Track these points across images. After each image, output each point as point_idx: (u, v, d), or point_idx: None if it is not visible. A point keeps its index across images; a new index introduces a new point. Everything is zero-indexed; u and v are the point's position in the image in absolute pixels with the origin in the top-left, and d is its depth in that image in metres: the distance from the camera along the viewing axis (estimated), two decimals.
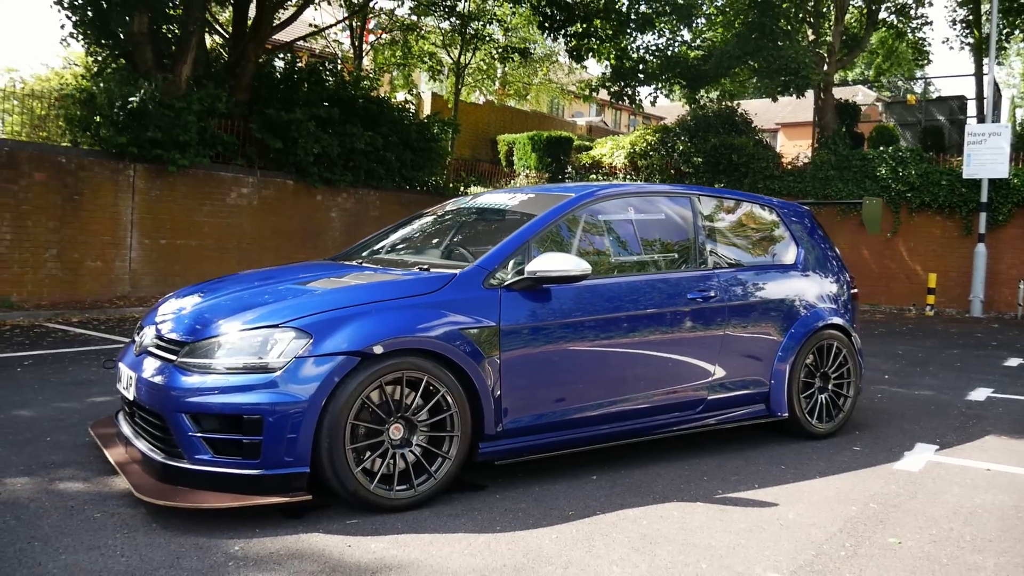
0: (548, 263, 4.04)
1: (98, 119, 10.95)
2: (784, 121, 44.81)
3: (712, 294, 4.82)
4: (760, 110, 32.60)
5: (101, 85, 11.05)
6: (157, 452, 3.67)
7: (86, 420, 5.10)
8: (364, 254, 5.09)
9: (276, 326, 3.62)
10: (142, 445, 3.80)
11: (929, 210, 15.79)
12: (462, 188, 17.99)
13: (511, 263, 4.17)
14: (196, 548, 3.22)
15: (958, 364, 9.03)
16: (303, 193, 14.01)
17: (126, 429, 4.04)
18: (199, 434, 3.53)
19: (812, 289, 5.42)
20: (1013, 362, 9.30)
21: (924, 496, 4.22)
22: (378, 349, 3.62)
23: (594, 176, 19.51)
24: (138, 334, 4.24)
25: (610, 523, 3.68)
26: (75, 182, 10.95)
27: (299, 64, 14.90)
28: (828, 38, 18.09)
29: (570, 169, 20.19)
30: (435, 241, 5.13)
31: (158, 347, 3.88)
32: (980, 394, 7.16)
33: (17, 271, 10.44)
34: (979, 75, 20.29)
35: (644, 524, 3.68)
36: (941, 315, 15.25)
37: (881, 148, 16.39)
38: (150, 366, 3.80)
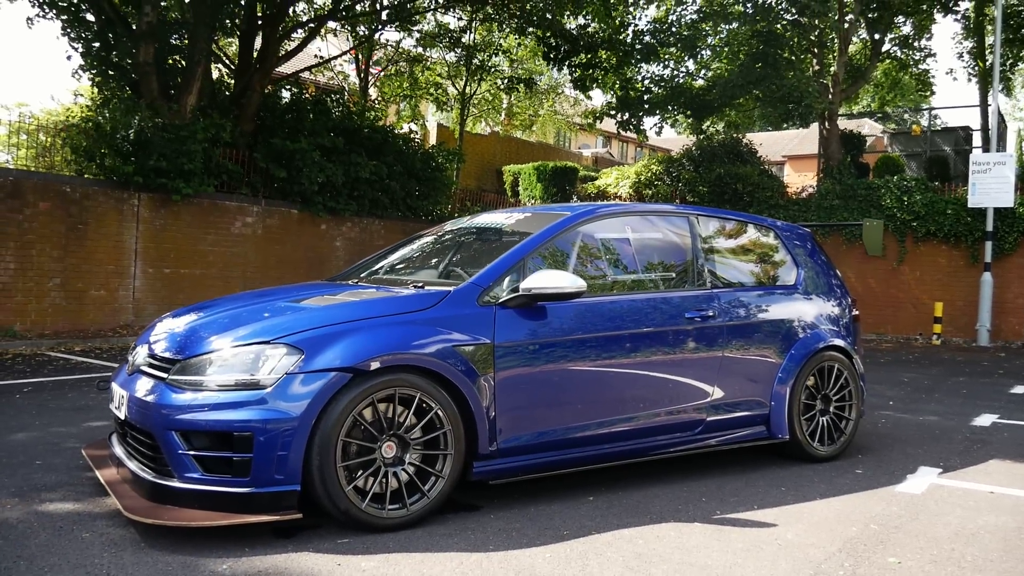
0: (543, 280, 4.02)
1: (103, 149, 11.04)
2: (790, 153, 44.99)
3: (710, 314, 4.79)
4: (766, 142, 32.73)
5: (106, 115, 11.16)
6: (147, 471, 3.64)
7: (81, 444, 5.07)
8: (362, 274, 5.09)
9: (267, 342, 3.61)
10: (133, 465, 3.76)
11: (935, 239, 15.75)
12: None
13: (506, 280, 4.16)
14: (184, 566, 3.18)
15: (964, 391, 8.94)
16: (308, 222, 14.06)
17: (118, 450, 4.02)
18: (189, 452, 3.50)
19: (813, 311, 5.38)
20: (1020, 389, 9.20)
21: (926, 517, 4.15)
22: (371, 365, 3.59)
23: None
24: (132, 353, 4.23)
25: (605, 543, 3.62)
26: (79, 211, 11.02)
27: (305, 95, 15.05)
28: (832, 68, 18.19)
29: (575, 199, 20.24)
30: (433, 261, 5.12)
31: (151, 365, 3.86)
32: (985, 420, 7.07)
33: (21, 300, 10.47)
34: (984, 106, 20.36)
35: (640, 544, 3.62)
36: (948, 344, 15.14)
37: (886, 177, 16.40)
38: (142, 385, 3.79)
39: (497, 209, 5.35)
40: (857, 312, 5.81)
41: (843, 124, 19.88)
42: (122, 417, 3.87)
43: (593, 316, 4.32)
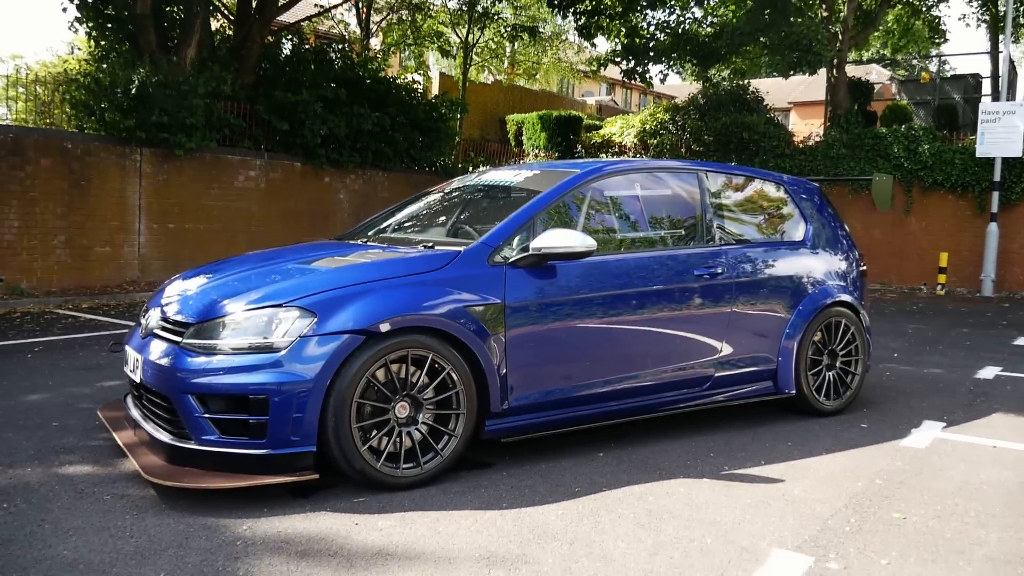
0: (553, 239, 4.03)
1: (104, 104, 10.95)
2: (796, 100, 44.47)
3: (719, 271, 4.80)
4: (772, 89, 32.33)
5: (105, 69, 11.04)
6: (164, 433, 3.69)
7: (95, 404, 5.13)
8: (370, 233, 5.09)
9: (280, 305, 3.63)
10: (149, 427, 3.82)
11: (942, 189, 15.65)
12: (471, 168, 17.94)
13: (516, 239, 4.16)
14: (204, 528, 3.25)
15: (967, 343, 8.98)
16: (311, 175, 14.00)
17: (134, 412, 4.07)
18: (206, 415, 3.55)
19: (820, 266, 5.39)
20: (1022, 341, 9.24)
21: (929, 472, 4.21)
22: (383, 327, 3.62)
23: (604, 155, 19.42)
24: (144, 316, 4.26)
25: (616, 499, 3.69)
26: (81, 167, 10.97)
27: (306, 45, 14.84)
28: (842, 13, 17.88)
29: (580, 148, 20.09)
30: (441, 219, 5.12)
31: (164, 329, 3.90)
32: (988, 372, 7.12)
33: (26, 258, 10.49)
34: (995, 53, 20.05)
35: (650, 500, 3.69)
36: (952, 294, 15.15)
37: (894, 126, 16.24)
38: (156, 348, 3.82)
39: (505, 166, 5.32)
40: (864, 267, 5.82)
41: (851, 71, 19.61)
42: (137, 380, 3.92)
43: (602, 274, 4.34)
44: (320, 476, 3.61)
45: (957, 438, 4.90)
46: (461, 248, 4.07)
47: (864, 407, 5.62)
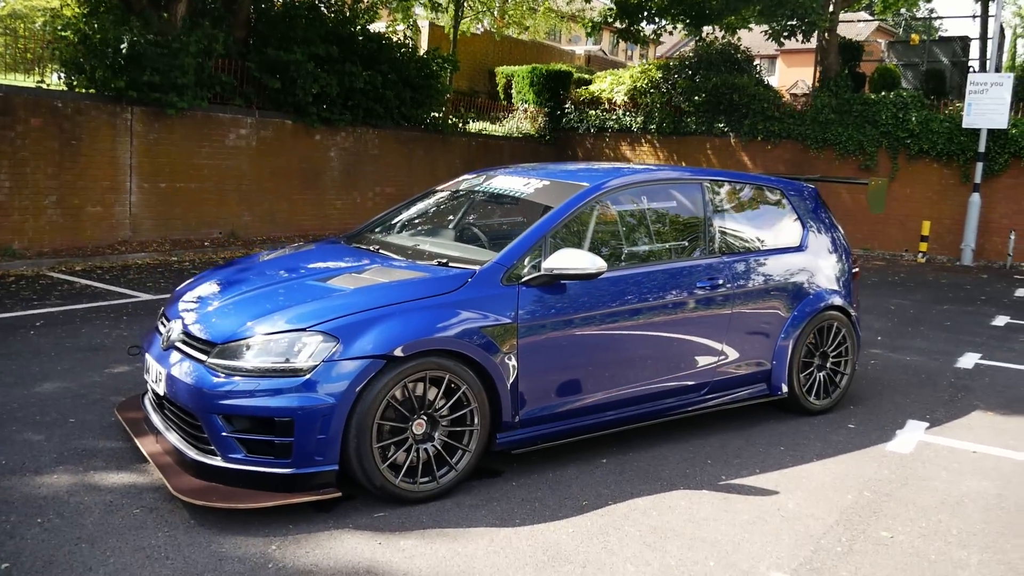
0: (564, 261, 4.15)
1: (94, 62, 10.78)
2: (785, 47, 44.12)
3: (720, 281, 4.96)
4: (760, 37, 32.13)
5: (95, 26, 10.84)
6: (190, 448, 3.83)
7: (109, 395, 5.26)
8: (378, 234, 5.18)
9: (304, 330, 3.75)
10: (173, 438, 3.96)
11: (927, 157, 15.82)
12: (460, 124, 17.84)
13: (528, 258, 4.28)
14: (235, 549, 3.41)
15: (948, 323, 9.26)
16: (302, 133, 13.91)
17: (156, 419, 4.20)
18: (232, 434, 3.69)
19: (815, 271, 5.56)
20: (1000, 321, 9.54)
21: (915, 483, 4.46)
22: (402, 351, 3.76)
23: (593, 112, 19.35)
24: (163, 325, 4.36)
25: (622, 515, 3.90)
26: (72, 127, 10.85)
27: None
28: None
29: (569, 104, 19.99)
30: (450, 226, 5.22)
31: (186, 343, 4.00)
32: (968, 360, 7.39)
33: (17, 219, 10.44)
34: (984, 16, 20.03)
35: (654, 516, 3.90)
36: (932, 262, 15.46)
37: (883, 93, 16.30)
38: (180, 364, 3.93)
39: (510, 168, 5.41)
40: (857, 270, 6.00)
41: (842, 31, 19.53)
42: (161, 393, 4.04)
43: (610, 289, 4.48)
44: (342, 489, 3.78)
45: (939, 441, 5.15)
46: (476, 268, 4.19)
47: (852, 404, 5.86)
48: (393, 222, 5.38)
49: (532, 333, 4.17)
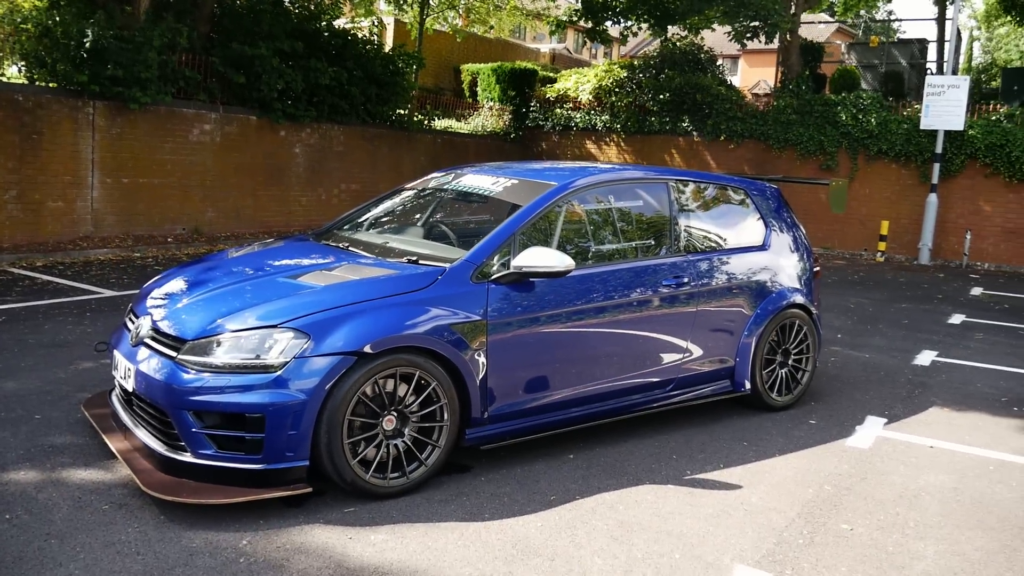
0: (533, 259, 4.21)
1: (56, 56, 10.61)
2: (748, 48, 44.65)
3: (685, 280, 5.05)
4: (722, 37, 32.52)
5: (57, 19, 10.67)
6: (159, 444, 3.83)
7: (75, 392, 5.21)
8: (348, 231, 5.20)
9: (275, 326, 3.77)
10: (142, 434, 3.95)
11: (886, 158, 16.16)
12: (426, 121, 17.83)
13: (497, 256, 4.33)
14: (207, 544, 3.42)
15: (905, 321, 9.49)
16: (266, 129, 13.81)
17: (124, 416, 4.18)
18: (203, 430, 3.69)
19: (778, 269, 5.68)
20: (956, 319, 9.79)
21: (873, 478, 4.59)
22: (375, 348, 3.79)
23: (559, 110, 19.45)
24: (131, 321, 4.34)
25: (589, 509, 3.97)
26: (33, 120, 10.67)
27: None
28: None
29: (534, 103, 20.07)
30: (419, 224, 5.25)
31: (156, 340, 3.99)
32: (925, 358, 7.59)
33: None
34: (942, 19, 20.48)
35: (621, 510, 3.97)
36: (891, 261, 15.79)
37: (844, 94, 16.62)
38: (150, 360, 3.92)
39: (478, 167, 5.44)
40: (818, 268, 6.14)
41: (802, 32, 19.85)
42: (130, 389, 4.02)
43: (577, 287, 4.54)
44: (312, 487, 3.80)
45: (897, 437, 5.30)
46: (446, 266, 4.23)
47: (812, 400, 6.00)
48: (362, 220, 5.40)
49: (501, 330, 4.23)
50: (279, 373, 3.67)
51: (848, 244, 16.63)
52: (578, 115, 19.19)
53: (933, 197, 15.38)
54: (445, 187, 5.39)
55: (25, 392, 5.20)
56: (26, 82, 10.97)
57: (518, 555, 3.48)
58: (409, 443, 3.99)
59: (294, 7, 14.54)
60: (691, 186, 5.50)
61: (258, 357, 3.71)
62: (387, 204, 5.55)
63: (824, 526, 3.94)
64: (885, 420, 5.63)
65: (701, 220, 5.47)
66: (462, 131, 19.53)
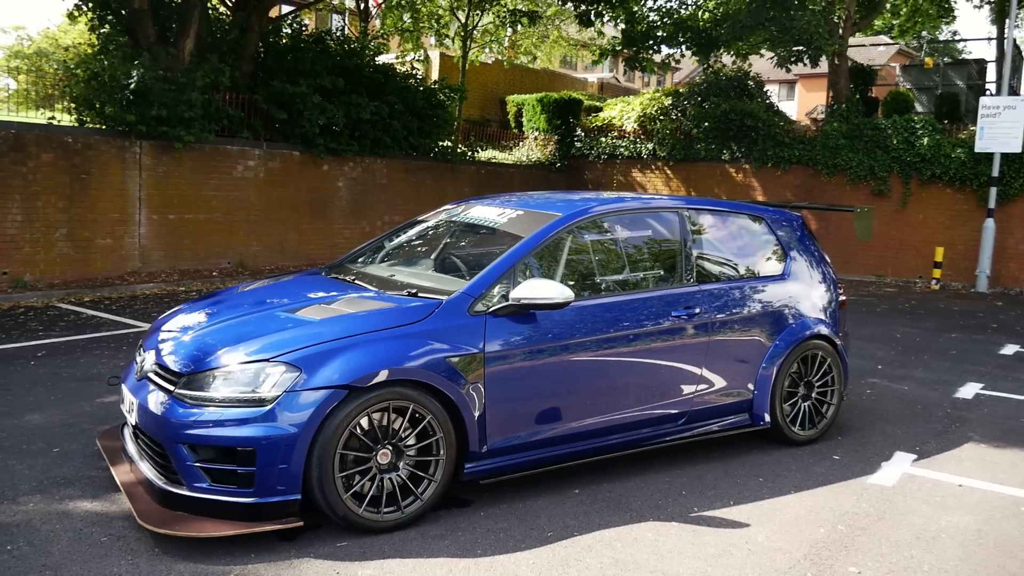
0: (532, 291, 4.17)
1: (104, 98, 11.03)
2: (803, 72, 44.06)
3: (697, 311, 4.94)
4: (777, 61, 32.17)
5: (105, 63, 11.11)
6: (159, 477, 3.88)
7: (96, 425, 5.32)
8: (359, 264, 5.24)
9: (268, 360, 3.80)
10: (144, 467, 4.01)
11: (940, 182, 15.68)
12: (470, 153, 18.00)
13: (497, 288, 4.31)
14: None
15: (953, 351, 9.13)
16: (309, 164, 14.10)
17: (131, 448, 4.25)
18: (197, 463, 3.73)
19: (799, 300, 5.52)
20: (1009, 350, 9.39)
21: (892, 517, 4.39)
22: (367, 381, 3.79)
23: (604, 139, 19.43)
24: (139, 355, 4.43)
25: (585, 546, 3.88)
26: (82, 161, 11.08)
27: (305, 31, 14.85)
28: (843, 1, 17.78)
29: (579, 132, 20.11)
30: (427, 256, 5.27)
31: (158, 375, 4.06)
32: (969, 391, 7.28)
33: (29, 251, 10.65)
34: (1000, 38, 19.92)
35: (618, 548, 3.87)
36: (946, 289, 15.27)
37: (894, 118, 16.23)
38: (150, 394, 3.99)
39: (490, 198, 5.45)
40: (844, 298, 5.96)
41: (855, 55, 19.53)
42: (133, 423, 4.09)
43: (581, 319, 4.48)
44: (307, 519, 3.80)
45: (925, 474, 5.07)
46: (443, 298, 4.22)
47: (840, 434, 5.79)
48: (374, 252, 5.44)
49: (500, 363, 4.19)
50: (271, 407, 3.70)
51: (902, 272, 16.15)
52: (623, 144, 19.14)
53: (990, 222, 14.85)
54: (454, 219, 5.40)
55: (49, 425, 5.34)
56: (76, 124, 11.40)
57: None
58: (404, 477, 3.96)
59: (337, 45, 14.87)
60: (706, 215, 5.40)
61: (252, 391, 3.74)
62: (399, 237, 5.58)
63: (830, 568, 3.77)
64: (915, 456, 5.40)
65: (716, 249, 5.37)
66: (506, 162, 19.65)
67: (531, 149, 20.56)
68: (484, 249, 4.86)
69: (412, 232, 5.59)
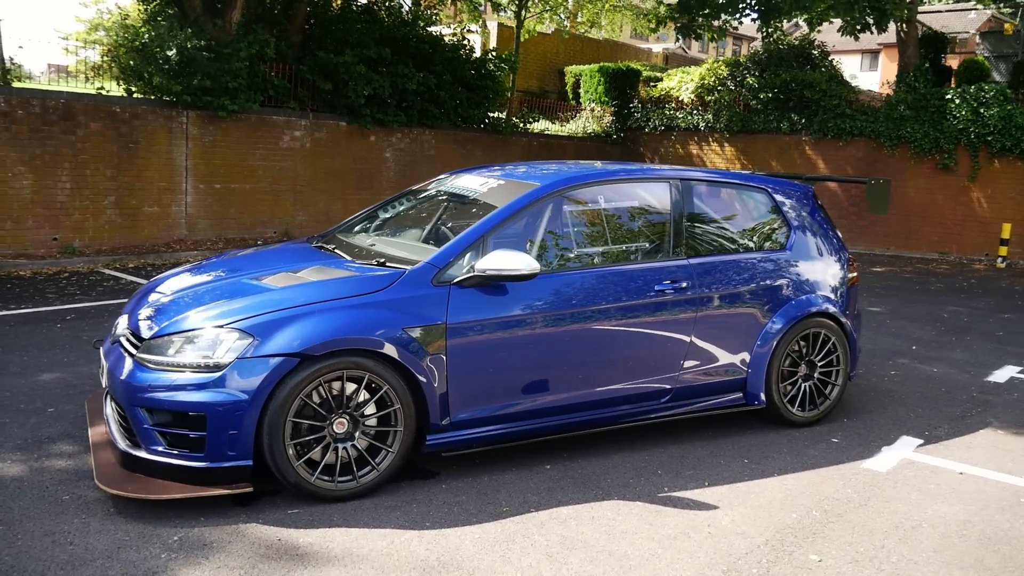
0: (497, 262, 4.08)
1: (151, 68, 11.29)
2: (886, 41, 42.19)
3: (684, 284, 4.76)
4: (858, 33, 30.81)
5: (151, 34, 11.35)
6: (122, 439, 3.95)
7: (96, 387, 5.47)
8: (344, 234, 5.22)
9: (222, 327, 3.81)
10: (114, 429, 4.09)
11: (1011, 155, 14.83)
12: (522, 124, 17.82)
13: (466, 258, 4.23)
14: (139, 537, 3.50)
15: (1000, 332, 8.65)
16: (356, 134, 14.18)
17: (107, 409, 4.35)
18: (154, 427, 3.78)
19: (801, 275, 5.28)
20: None
21: (875, 504, 4.17)
22: (318, 350, 3.77)
23: (660, 111, 19.00)
24: (116, 322, 4.52)
25: (538, 523, 3.80)
26: (130, 131, 11.39)
27: (353, 1, 14.88)
28: None
29: (636, 102, 19.70)
30: (411, 226, 5.22)
31: (127, 339, 4.14)
32: (1004, 374, 6.89)
33: (79, 218, 11.03)
34: None
35: (572, 526, 3.78)
36: (1013, 267, 14.48)
37: (961, 88, 15.39)
38: (117, 358, 4.07)
39: (480, 168, 5.37)
40: (855, 274, 5.67)
41: (929, 21, 18.56)
42: (104, 385, 4.18)
43: (553, 292, 4.37)
44: (268, 485, 3.83)
45: (925, 460, 4.81)
46: (406, 268, 4.16)
47: (846, 415, 5.55)
48: (364, 222, 5.41)
49: (464, 335, 4.11)
50: (222, 373, 3.71)
51: (967, 249, 15.38)
52: (680, 115, 18.68)
53: None
54: (441, 189, 5.33)
55: (53, 386, 5.52)
56: (124, 95, 11.70)
57: (437, 567, 3.37)
58: (361, 448, 3.95)
59: (387, 15, 14.86)
60: (700, 186, 5.18)
61: (205, 357, 3.76)
62: (391, 206, 5.54)
63: (790, 555, 3.61)
64: (921, 441, 5.13)
65: (711, 222, 5.16)
66: (560, 133, 19.41)
67: (587, 120, 20.25)
68: (462, 220, 4.77)
69: (402, 201, 5.54)
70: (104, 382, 4.19)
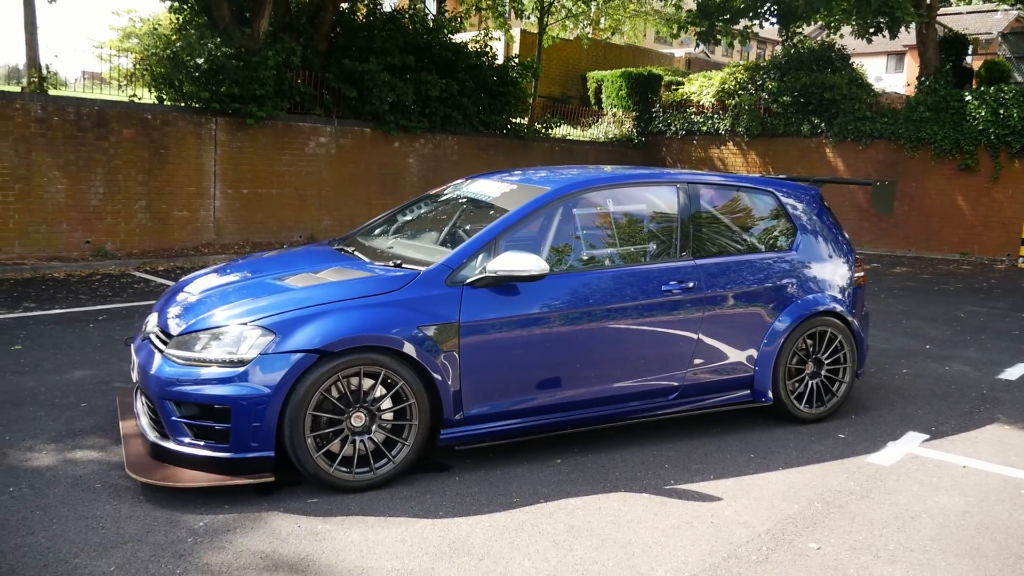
0: (507, 263, 4.25)
1: (181, 76, 11.61)
2: (912, 43, 41.91)
3: (691, 284, 4.90)
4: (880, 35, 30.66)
5: (181, 44, 11.67)
6: (152, 431, 4.17)
7: (128, 383, 5.71)
8: (364, 237, 5.41)
9: (246, 324, 4.02)
10: (144, 421, 4.31)
11: None
12: (544, 129, 18.01)
13: (479, 259, 4.40)
14: (167, 522, 3.70)
15: (1016, 332, 8.68)
16: (380, 141, 14.44)
17: (137, 404, 4.57)
18: (181, 419, 3.99)
19: (807, 274, 5.39)
20: None
21: (876, 496, 4.28)
22: (336, 347, 3.96)
23: (681, 115, 19.09)
24: (146, 319, 4.74)
25: (547, 513, 3.95)
26: (161, 137, 11.71)
27: (379, 9, 15.16)
28: None
29: (658, 107, 19.81)
30: (429, 229, 5.40)
31: (156, 336, 4.36)
32: (1017, 371, 6.94)
33: (111, 222, 11.36)
34: None
35: (579, 515, 3.94)
36: None
37: (981, 89, 15.34)
38: (147, 353, 4.29)
39: (493, 173, 5.54)
40: (862, 274, 5.77)
41: (950, 22, 18.50)
42: (134, 380, 4.40)
43: (564, 292, 4.53)
44: (291, 475, 4.03)
45: (930, 455, 4.91)
46: (422, 269, 4.35)
47: (854, 412, 5.65)
48: (383, 225, 5.61)
49: (476, 333, 4.28)
50: (246, 368, 3.91)
51: (988, 250, 15.32)
52: (701, 119, 18.76)
53: None
54: (458, 193, 5.51)
55: (86, 382, 5.76)
56: (155, 102, 12.03)
57: (449, 552, 3.54)
58: (378, 441, 4.13)
59: (411, 23, 15.12)
60: (707, 189, 5.31)
61: (230, 352, 3.96)
62: (410, 210, 5.73)
63: (790, 544, 3.73)
64: (927, 436, 5.22)
65: (717, 223, 5.29)
66: (581, 139, 19.56)
67: (609, 125, 20.39)
68: (476, 223, 4.95)
69: (421, 205, 5.73)
70: (134, 377, 4.41)
